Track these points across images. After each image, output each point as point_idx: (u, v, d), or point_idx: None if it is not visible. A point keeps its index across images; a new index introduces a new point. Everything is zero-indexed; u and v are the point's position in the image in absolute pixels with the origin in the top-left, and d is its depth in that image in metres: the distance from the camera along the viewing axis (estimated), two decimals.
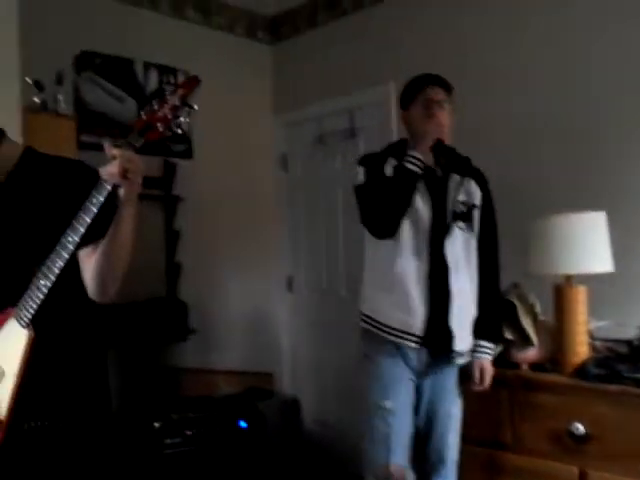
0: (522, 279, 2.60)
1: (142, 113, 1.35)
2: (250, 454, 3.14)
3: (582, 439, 2.25)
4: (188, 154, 3.74)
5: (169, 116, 1.34)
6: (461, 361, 2.27)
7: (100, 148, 3.72)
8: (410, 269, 2.18)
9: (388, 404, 2.19)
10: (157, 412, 2.99)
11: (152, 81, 3.66)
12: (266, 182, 4.13)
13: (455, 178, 2.28)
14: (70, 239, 1.36)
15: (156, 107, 1.34)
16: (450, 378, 2.29)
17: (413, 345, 2.17)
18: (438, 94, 2.27)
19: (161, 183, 3.55)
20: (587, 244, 2.44)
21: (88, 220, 1.35)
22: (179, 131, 1.38)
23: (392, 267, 2.20)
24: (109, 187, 1.34)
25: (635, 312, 2.59)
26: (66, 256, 1.36)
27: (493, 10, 3.11)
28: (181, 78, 3.75)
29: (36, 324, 1.40)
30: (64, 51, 3.22)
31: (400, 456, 2.20)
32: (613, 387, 2.21)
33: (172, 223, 3.59)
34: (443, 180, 2.26)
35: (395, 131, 3.53)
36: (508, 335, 2.48)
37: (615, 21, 2.75)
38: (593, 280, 2.45)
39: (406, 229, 2.18)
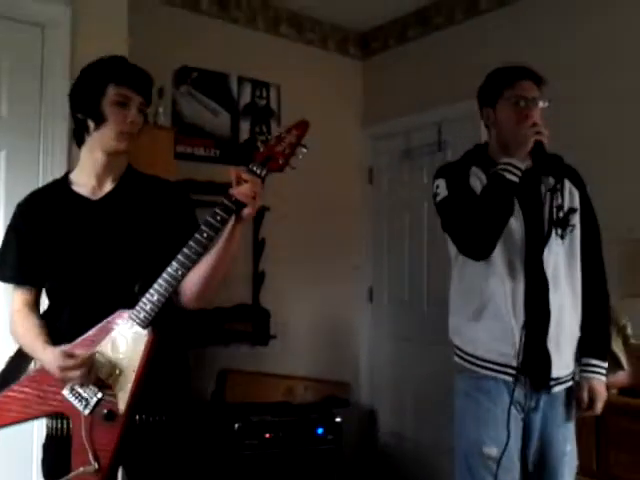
0: (614, 299, 2.51)
1: (260, 146, 1.52)
2: (325, 461, 3.18)
3: None
4: None
5: (287, 151, 1.51)
6: (559, 388, 1.95)
7: (194, 159, 3.88)
8: (504, 291, 1.91)
9: (492, 452, 1.87)
10: (237, 414, 3.09)
11: (245, 95, 3.81)
12: (351, 194, 4.19)
13: (548, 181, 1.96)
14: (194, 250, 1.50)
15: (273, 142, 1.51)
16: (560, 410, 1.97)
17: (510, 379, 1.89)
18: (531, 90, 1.95)
19: None
20: None
21: (213, 234, 1.50)
22: (294, 167, 1.54)
23: (483, 291, 1.93)
24: (233, 207, 1.48)
25: None
26: (190, 265, 1.51)
27: (589, 25, 3.04)
28: (273, 92, 3.88)
29: (153, 326, 1.54)
30: (165, 66, 3.41)
31: None
32: None
33: (258, 232, 3.71)
34: (535, 185, 1.96)
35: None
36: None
37: None
38: None
39: (498, 249, 1.90)
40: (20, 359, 1.71)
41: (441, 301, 3.65)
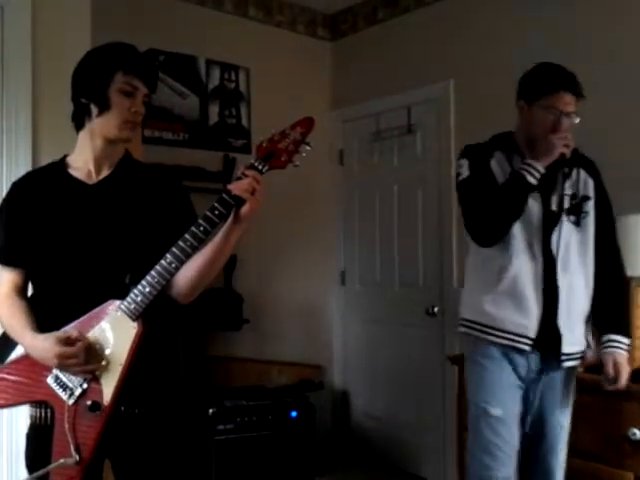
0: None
1: (262, 140, 1.48)
2: (299, 444, 3.21)
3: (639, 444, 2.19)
4: (247, 149, 3.82)
5: (290, 148, 1.48)
6: (570, 364, 2.09)
7: (162, 142, 3.83)
8: (525, 270, 2.02)
9: (496, 411, 2.03)
10: (211, 399, 3.09)
11: (214, 78, 3.77)
12: (322, 177, 4.18)
13: (563, 170, 2.07)
14: (189, 244, 1.47)
15: (276, 138, 1.48)
16: (562, 385, 2.12)
17: (527, 348, 2.02)
18: (570, 104, 2.02)
19: (220, 177, 3.64)
20: None
21: (210, 229, 1.47)
22: (297, 164, 1.51)
23: (506, 269, 2.03)
24: (232, 201, 1.45)
25: None
26: (185, 259, 1.48)
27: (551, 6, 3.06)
28: (242, 75, 3.84)
29: (143, 318, 1.52)
30: None
31: (508, 469, 2.04)
32: None
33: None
34: (552, 172, 2.05)
35: (453, 129, 3.53)
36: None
37: None
38: None
39: (517, 228, 2.02)
40: (3, 343, 1.66)
41: (412, 282, 3.75)
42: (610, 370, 2.04)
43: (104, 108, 1.58)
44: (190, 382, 1.74)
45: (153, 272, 1.49)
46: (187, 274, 1.55)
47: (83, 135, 1.65)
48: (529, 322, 2.02)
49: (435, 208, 3.62)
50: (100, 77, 1.58)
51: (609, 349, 2.07)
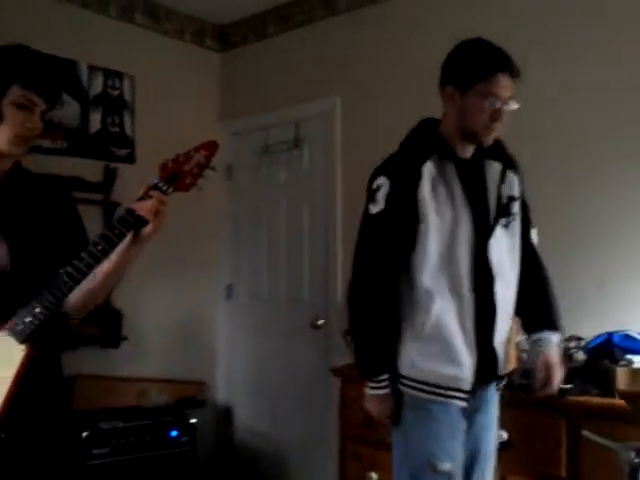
0: None
1: (167, 160, 1.46)
2: (180, 464, 3.12)
3: (505, 445, 2.22)
4: (130, 159, 3.71)
5: (195, 171, 1.46)
6: (504, 383, 1.95)
7: (41, 151, 3.64)
8: (451, 309, 1.77)
9: (445, 466, 1.76)
10: (85, 422, 2.94)
11: (97, 84, 3.62)
12: (209, 191, 4.07)
13: (493, 168, 1.89)
14: (86, 263, 1.39)
15: (182, 159, 1.46)
16: (495, 409, 1.94)
17: (462, 404, 1.79)
18: (507, 88, 1.77)
19: (101, 188, 3.51)
20: None
21: (108, 249, 1.40)
22: (201, 188, 1.51)
23: (429, 309, 1.77)
24: (133, 221, 1.41)
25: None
26: (80, 278, 1.40)
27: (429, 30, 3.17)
28: (127, 83, 3.72)
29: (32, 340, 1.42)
30: None
31: None
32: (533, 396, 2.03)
33: None
34: (478, 174, 1.86)
35: (339, 145, 3.58)
36: None
37: None
38: None
39: (437, 247, 1.77)
40: None
41: (298, 295, 3.75)
42: (542, 373, 1.85)
43: None
44: (60, 404, 1.63)
45: (45, 291, 1.40)
46: (80, 294, 1.48)
47: None
48: (462, 373, 1.77)
49: (321, 222, 3.66)
50: None
51: (540, 348, 1.88)
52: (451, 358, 1.77)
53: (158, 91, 3.79)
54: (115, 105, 3.70)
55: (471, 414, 1.86)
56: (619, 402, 2.17)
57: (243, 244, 4.13)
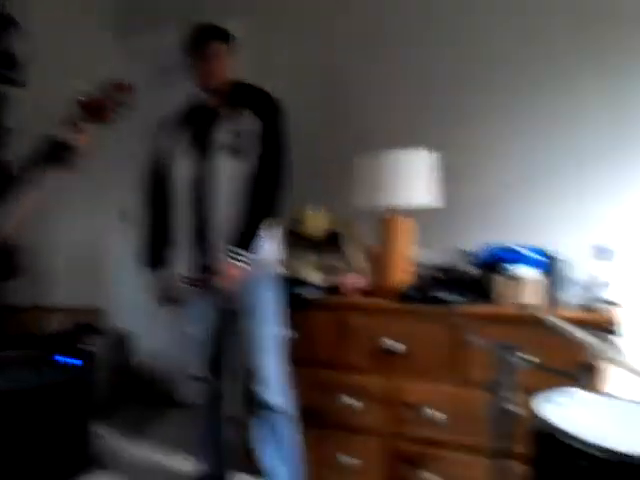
0: (351, 213, 2.69)
1: (81, 98, 1.61)
2: (75, 391, 3.01)
3: (399, 355, 2.42)
4: (21, 83, 3.47)
5: (112, 107, 1.63)
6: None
7: None
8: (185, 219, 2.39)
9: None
10: None
11: None
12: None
13: (226, 110, 2.37)
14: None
15: (100, 96, 1.63)
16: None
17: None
18: (218, 49, 2.37)
19: None
20: (411, 178, 2.56)
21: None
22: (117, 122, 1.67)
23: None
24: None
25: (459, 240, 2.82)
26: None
27: None
28: None
29: None
30: None
31: None
32: (426, 308, 2.40)
33: (1, 157, 3.32)
34: (207, 117, 2.37)
35: None
36: (335, 262, 2.56)
37: None
38: (425, 214, 2.59)
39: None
40: None
41: None
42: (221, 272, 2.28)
43: None
44: None
45: None
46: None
47: None
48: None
49: None
50: None
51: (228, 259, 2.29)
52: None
53: (50, 11, 3.56)
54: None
55: None
56: (500, 309, 2.41)
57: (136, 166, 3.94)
